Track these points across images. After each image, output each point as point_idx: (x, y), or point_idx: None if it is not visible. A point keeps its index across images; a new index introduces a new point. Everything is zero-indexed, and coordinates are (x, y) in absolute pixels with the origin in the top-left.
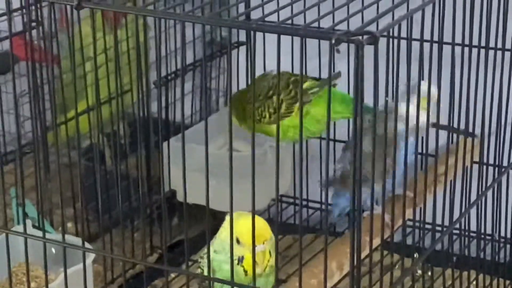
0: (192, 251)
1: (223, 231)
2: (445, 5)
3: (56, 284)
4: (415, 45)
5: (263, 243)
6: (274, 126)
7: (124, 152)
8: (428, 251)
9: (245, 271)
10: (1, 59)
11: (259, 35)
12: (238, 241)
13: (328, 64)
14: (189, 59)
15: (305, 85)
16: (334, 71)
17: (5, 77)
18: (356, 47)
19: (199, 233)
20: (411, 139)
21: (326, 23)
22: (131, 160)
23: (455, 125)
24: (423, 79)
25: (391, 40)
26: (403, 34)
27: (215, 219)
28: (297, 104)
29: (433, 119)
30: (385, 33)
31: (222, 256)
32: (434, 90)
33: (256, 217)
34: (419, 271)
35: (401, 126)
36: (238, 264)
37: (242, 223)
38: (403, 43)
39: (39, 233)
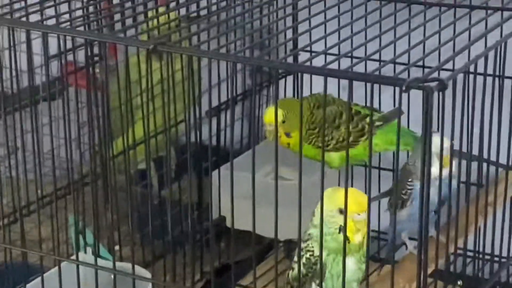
0: (240, 275)
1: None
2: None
3: None
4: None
5: (363, 213)
6: (332, 153)
7: (172, 178)
8: (490, 281)
9: (348, 239)
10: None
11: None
12: (341, 211)
13: (398, 110)
14: (240, 89)
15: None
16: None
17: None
18: (426, 94)
19: (246, 258)
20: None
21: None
22: (183, 187)
23: None
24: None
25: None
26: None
27: (261, 244)
28: (364, 137)
29: None
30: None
31: (325, 229)
32: (446, 143)
33: (355, 189)
34: None
35: None
36: (339, 233)
37: (348, 193)
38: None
39: (103, 262)
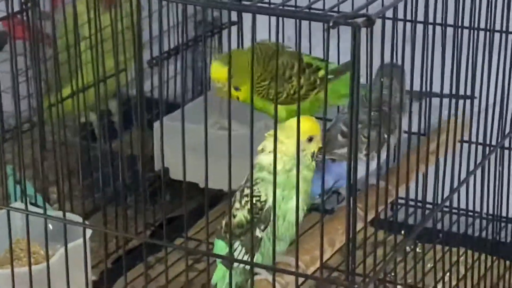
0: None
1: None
2: None
3: (55, 260)
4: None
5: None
6: (278, 106)
7: (115, 130)
8: (419, 227)
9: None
10: None
11: (249, 15)
12: (310, 139)
13: (326, 47)
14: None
15: (321, 73)
16: (326, 51)
17: None
18: (353, 30)
19: (190, 210)
20: None
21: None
22: (125, 139)
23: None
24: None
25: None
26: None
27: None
28: (315, 91)
29: None
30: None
31: (292, 162)
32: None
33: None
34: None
35: None
36: (313, 161)
37: (308, 121)
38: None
39: (38, 210)
